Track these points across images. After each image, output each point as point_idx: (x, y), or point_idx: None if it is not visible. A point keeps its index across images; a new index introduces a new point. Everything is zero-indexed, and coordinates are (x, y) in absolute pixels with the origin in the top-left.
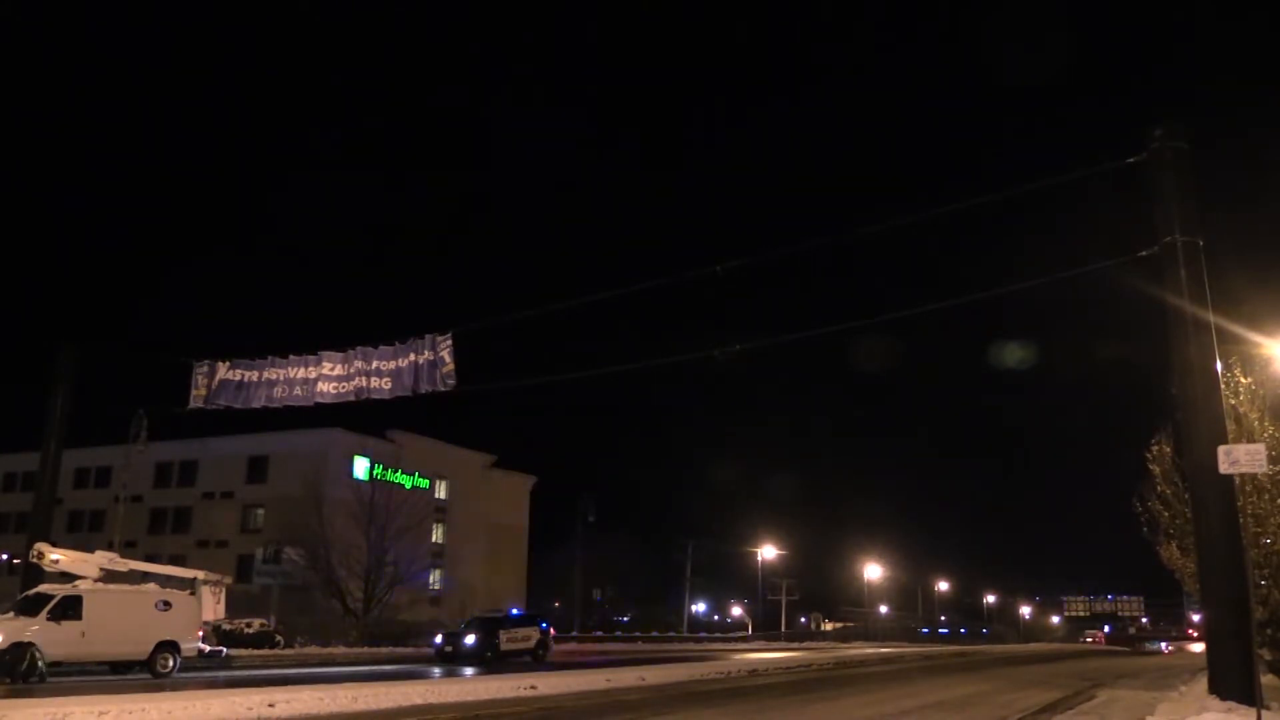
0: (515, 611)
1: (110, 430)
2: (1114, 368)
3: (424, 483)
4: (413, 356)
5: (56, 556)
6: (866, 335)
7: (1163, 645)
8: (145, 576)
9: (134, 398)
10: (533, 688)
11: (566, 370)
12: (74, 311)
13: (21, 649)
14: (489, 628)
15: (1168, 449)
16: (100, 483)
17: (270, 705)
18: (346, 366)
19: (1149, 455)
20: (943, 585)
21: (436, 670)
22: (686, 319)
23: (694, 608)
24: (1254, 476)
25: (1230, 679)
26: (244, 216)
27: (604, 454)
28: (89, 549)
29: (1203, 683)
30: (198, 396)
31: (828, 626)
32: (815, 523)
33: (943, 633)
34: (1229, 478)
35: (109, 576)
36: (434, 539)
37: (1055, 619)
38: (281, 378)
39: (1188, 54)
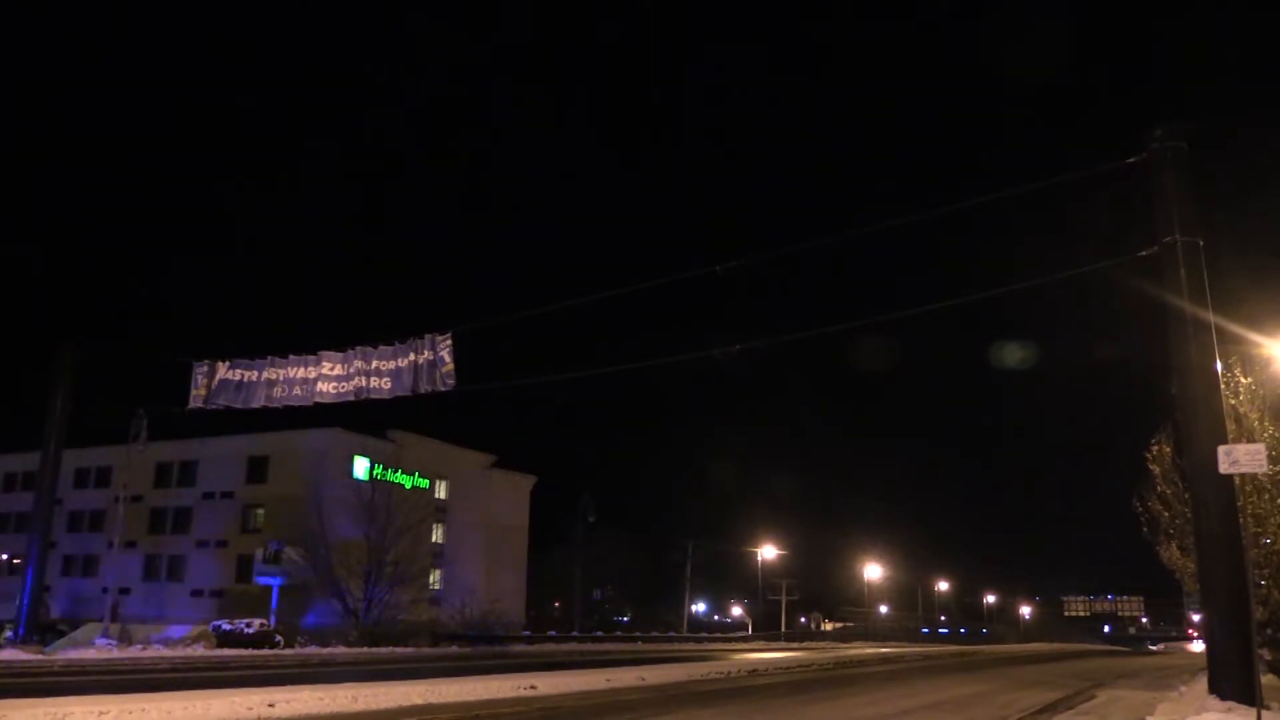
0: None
1: (110, 430)
2: (1114, 368)
3: (424, 483)
4: (412, 356)
5: None
6: (866, 335)
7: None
8: None
9: (134, 398)
10: (532, 687)
11: (566, 370)
12: (74, 311)
13: None
14: None
15: (1168, 449)
16: (100, 483)
17: (270, 705)
18: (346, 366)
19: (1149, 455)
20: (943, 585)
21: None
22: (686, 319)
23: (694, 608)
24: (1254, 476)
25: (1230, 679)
26: (244, 216)
27: (604, 454)
28: (89, 549)
29: (1203, 683)
30: (198, 396)
31: (828, 626)
32: (815, 523)
33: (943, 633)
34: (1229, 478)
35: None
36: (434, 539)
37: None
38: (281, 378)
39: (1188, 54)
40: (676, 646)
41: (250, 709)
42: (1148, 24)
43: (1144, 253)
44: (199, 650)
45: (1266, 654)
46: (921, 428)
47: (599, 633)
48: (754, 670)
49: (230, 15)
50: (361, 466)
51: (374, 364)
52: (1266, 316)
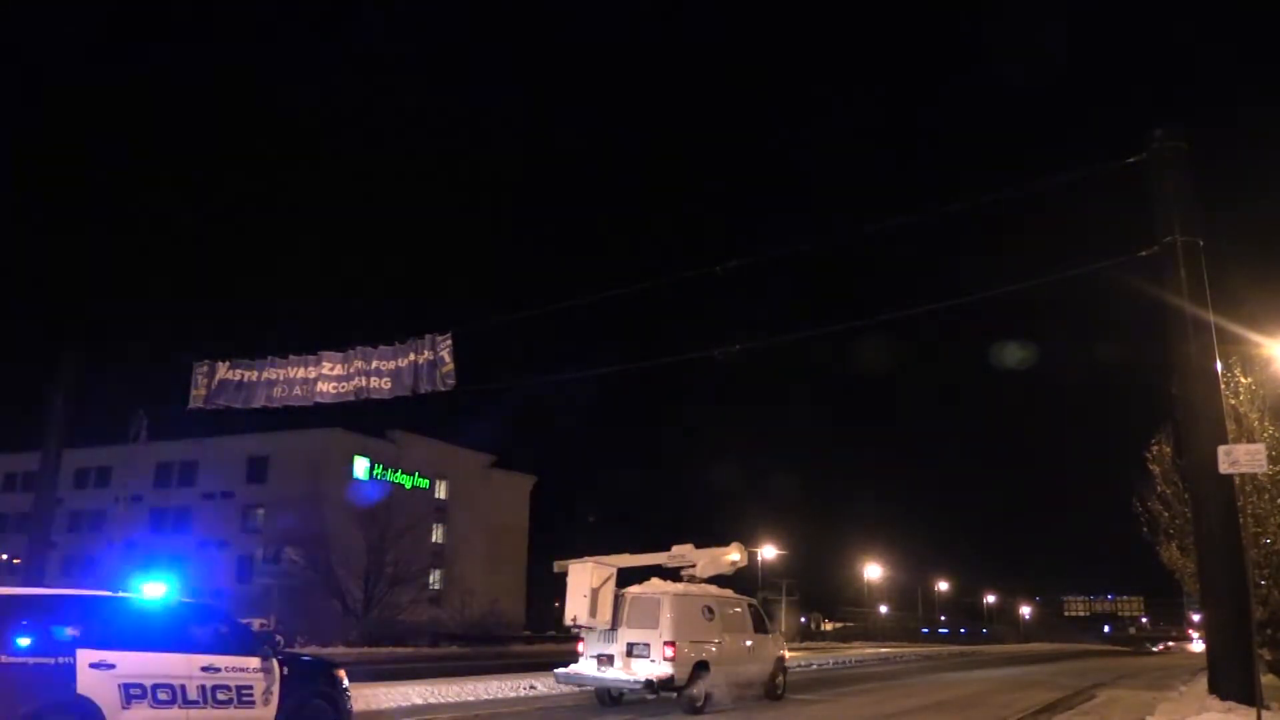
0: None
1: (110, 430)
2: (1114, 368)
3: (424, 483)
4: (413, 356)
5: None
6: (866, 335)
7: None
8: None
9: (134, 398)
10: (532, 687)
11: (566, 370)
12: (74, 312)
13: None
14: None
15: (1168, 449)
16: (100, 483)
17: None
18: (346, 366)
19: (1149, 455)
20: (943, 585)
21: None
22: (687, 319)
23: None
24: (1254, 476)
25: (1230, 679)
26: (243, 216)
27: (604, 454)
28: (89, 549)
29: (1203, 683)
30: (198, 396)
31: (828, 626)
32: (815, 523)
33: (943, 633)
34: (1229, 478)
35: None
36: (434, 539)
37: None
38: (281, 378)
39: (1187, 53)
40: None
41: None
42: (1148, 23)
43: (1144, 253)
44: None
45: (1266, 654)
46: (921, 427)
47: None
48: None
49: (231, 9)
50: (361, 466)
51: (374, 364)
52: (1266, 316)
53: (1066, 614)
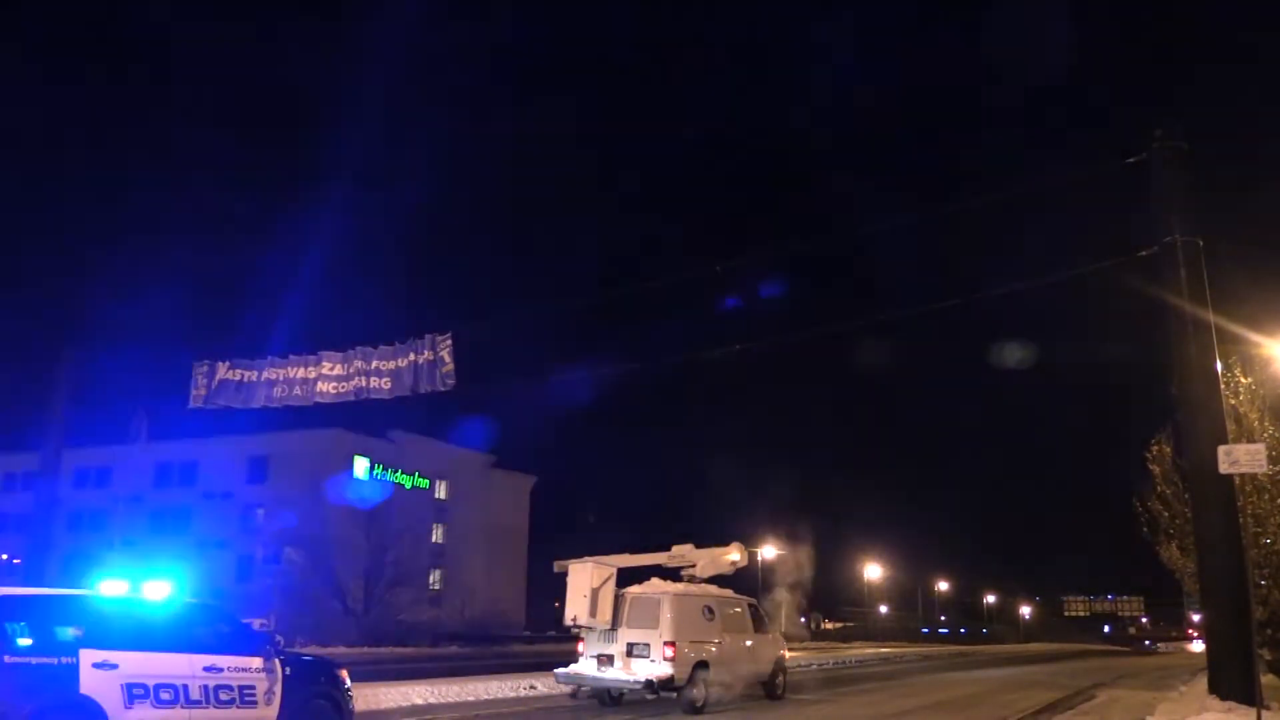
0: None
1: (110, 430)
2: (1114, 368)
3: (424, 483)
4: (412, 356)
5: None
6: (866, 335)
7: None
8: None
9: (134, 398)
10: (532, 687)
11: (566, 370)
12: (74, 311)
13: None
14: None
15: (1168, 449)
16: (100, 483)
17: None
18: (346, 366)
19: (1149, 455)
20: (943, 585)
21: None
22: (686, 319)
23: None
24: (1254, 476)
25: (1230, 679)
26: (243, 214)
27: (604, 454)
28: (89, 549)
29: (1203, 683)
30: (198, 396)
31: (828, 626)
32: (815, 523)
33: (943, 633)
34: (1229, 478)
35: None
36: (434, 539)
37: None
38: (281, 378)
39: (1188, 53)
40: None
41: None
42: (1149, 23)
43: (1144, 253)
44: None
45: (1266, 654)
46: (922, 427)
47: None
48: None
49: (232, 8)
50: (361, 466)
51: (374, 364)
52: (1266, 316)
53: (1066, 614)
